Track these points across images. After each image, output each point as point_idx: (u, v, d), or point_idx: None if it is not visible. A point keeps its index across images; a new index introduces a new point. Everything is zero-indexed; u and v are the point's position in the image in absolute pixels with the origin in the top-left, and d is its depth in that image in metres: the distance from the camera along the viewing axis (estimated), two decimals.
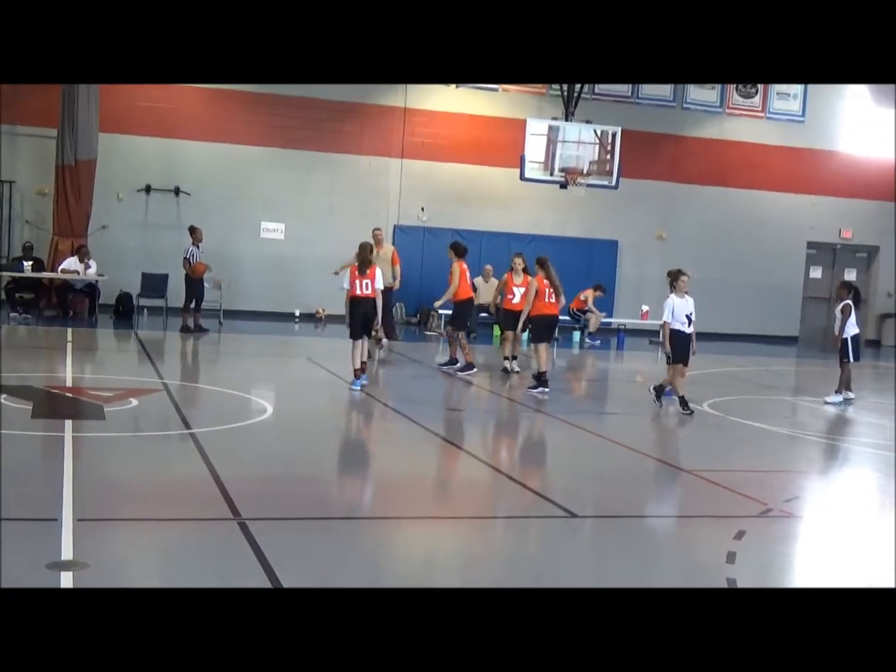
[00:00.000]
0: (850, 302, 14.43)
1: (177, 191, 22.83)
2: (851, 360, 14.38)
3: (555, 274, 14.10)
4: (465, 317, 15.59)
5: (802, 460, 10.79)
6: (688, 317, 12.62)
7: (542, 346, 13.90)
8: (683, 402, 12.44)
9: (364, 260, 13.02)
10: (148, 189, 22.69)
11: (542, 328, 14.20)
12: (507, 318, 15.39)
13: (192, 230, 19.90)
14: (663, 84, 24.50)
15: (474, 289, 16.87)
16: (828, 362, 20.66)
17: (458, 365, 15.31)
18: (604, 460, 10.13)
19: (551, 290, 14.02)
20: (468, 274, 15.54)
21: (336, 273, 19.57)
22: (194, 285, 19.57)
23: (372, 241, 19.59)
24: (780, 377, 19.16)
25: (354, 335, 13.02)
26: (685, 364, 12.77)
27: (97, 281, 20.15)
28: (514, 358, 15.57)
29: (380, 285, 13.15)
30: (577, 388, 16.35)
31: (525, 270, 15.24)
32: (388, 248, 20.13)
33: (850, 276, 26.81)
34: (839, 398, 14.30)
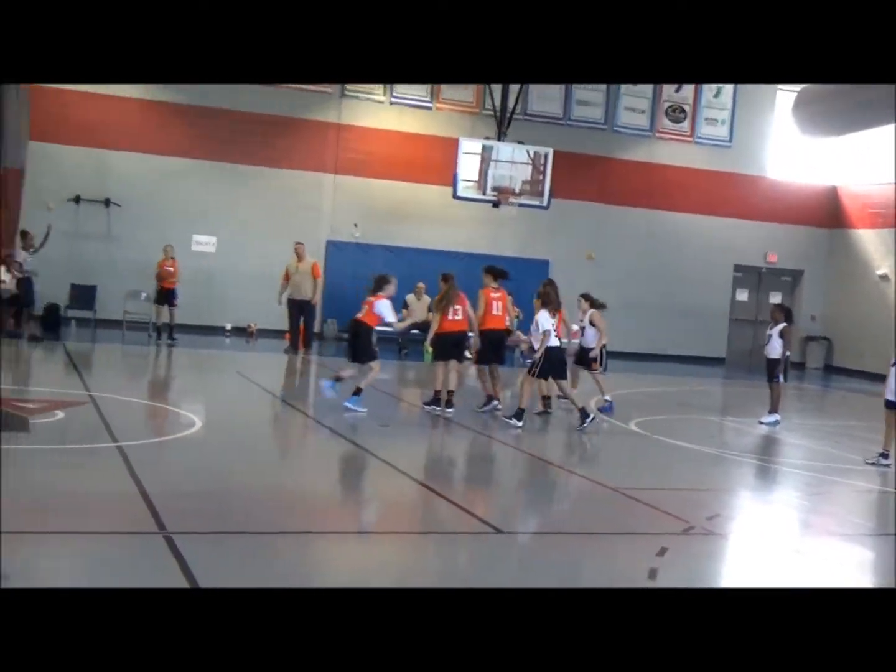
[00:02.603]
0: (786, 325, 14.69)
1: (107, 202, 22.59)
2: (782, 380, 14.68)
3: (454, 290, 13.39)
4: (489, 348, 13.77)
5: (726, 479, 10.97)
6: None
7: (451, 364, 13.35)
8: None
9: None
10: (77, 199, 22.42)
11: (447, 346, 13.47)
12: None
13: (24, 234, 19.33)
14: (648, 84, 24.64)
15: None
16: (753, 383, 21.04)
17: (493, 404, 13.58)
18: (529, 477, 10.21)
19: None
20: (496, 303, 13.69)
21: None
22: (26, 291, 18.87)
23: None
24: (706, 397, 19.45)
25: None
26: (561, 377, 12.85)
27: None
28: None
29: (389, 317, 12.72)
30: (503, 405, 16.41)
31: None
32: (308, 262, 20.62)
33: (776, 299, 27.30)
34: (774, 418, 14.50)
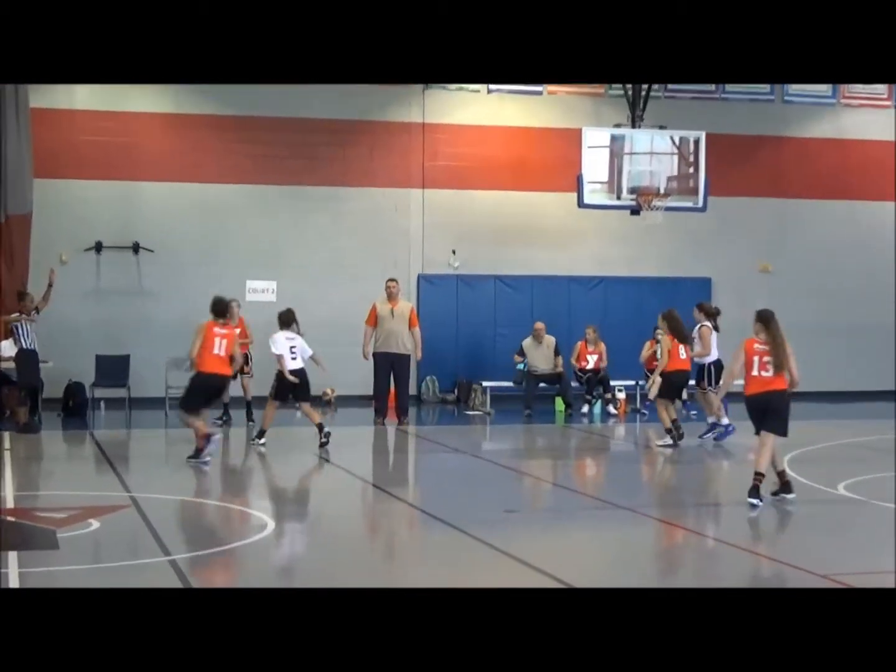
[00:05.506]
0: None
1: (136, 247, 23.02)
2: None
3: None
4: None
5: None
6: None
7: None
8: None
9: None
10: (99, 247, 22.91)
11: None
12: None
13: (21, 296, 19.28)
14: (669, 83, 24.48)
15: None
16: None
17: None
18: (715, 563, 10.11)
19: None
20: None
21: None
22: (29, 370, 18.90)
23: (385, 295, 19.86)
24: None
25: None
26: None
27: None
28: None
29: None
30: (668, 474, 16.28)
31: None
32: (404, 306, 20.05)
33: None
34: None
